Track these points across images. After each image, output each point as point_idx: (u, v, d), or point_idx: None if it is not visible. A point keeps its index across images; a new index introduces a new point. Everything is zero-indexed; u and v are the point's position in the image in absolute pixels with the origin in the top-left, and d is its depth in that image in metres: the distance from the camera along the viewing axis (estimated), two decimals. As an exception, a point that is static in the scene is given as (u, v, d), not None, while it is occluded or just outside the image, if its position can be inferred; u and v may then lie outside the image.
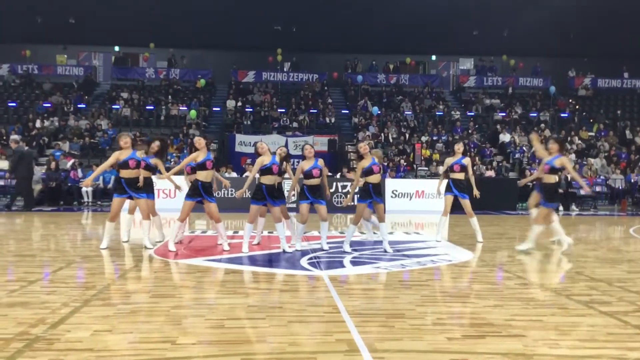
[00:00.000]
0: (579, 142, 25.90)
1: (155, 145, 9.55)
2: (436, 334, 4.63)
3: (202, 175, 8.72)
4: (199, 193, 8.74)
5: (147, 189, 9.21)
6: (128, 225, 10.02)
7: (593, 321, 5.08)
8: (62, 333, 4.46)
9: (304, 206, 9.02)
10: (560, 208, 19.70)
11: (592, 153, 24.87)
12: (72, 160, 19.34)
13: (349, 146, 24.81)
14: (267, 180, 8.67)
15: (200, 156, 8.69)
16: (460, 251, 9.34)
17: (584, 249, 10.29)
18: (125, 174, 8.84)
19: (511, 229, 13.55)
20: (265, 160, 8.67)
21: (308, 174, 8.97)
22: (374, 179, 8.84)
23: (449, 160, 10.43)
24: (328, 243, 9.37)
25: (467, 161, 10.32)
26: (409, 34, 29.50)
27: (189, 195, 8.82)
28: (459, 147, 10.44)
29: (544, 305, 5.66)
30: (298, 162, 9.67)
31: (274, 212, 8.81)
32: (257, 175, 8.80)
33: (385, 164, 22.20)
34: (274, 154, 8.91)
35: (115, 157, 8.84)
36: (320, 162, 9.10)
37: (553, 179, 9.17)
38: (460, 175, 10.25)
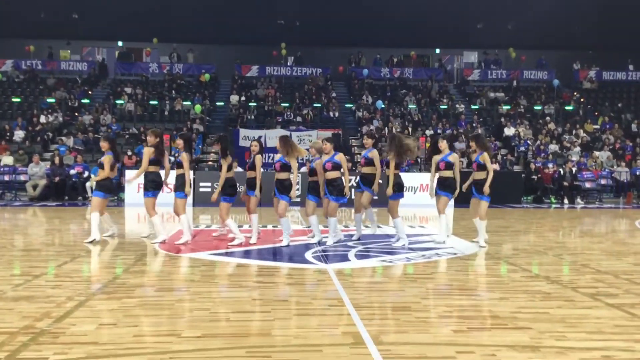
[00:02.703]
0: (584, 135, 25.78)
1: None
2: (442, 327, 4.61)
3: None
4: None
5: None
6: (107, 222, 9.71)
7: (600, 313, 5.06)
8: (67, 327, 4.46)
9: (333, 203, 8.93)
10: (565, 201, 19.65)
11: (597, 146, 24.77)
12: (77, 170, 18.95)
13: (352, 140, 24.76)
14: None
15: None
16: (465, 244, 9.31)
17: (590, 241, 10.25)
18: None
19: (516, 222, 13.51)
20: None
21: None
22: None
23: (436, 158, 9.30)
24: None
25: (453, 158, 9.15)
26: (413, 27, 29.32)
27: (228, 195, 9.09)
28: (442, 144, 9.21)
29: (550, 298, 5.64)
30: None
31: (279, 205, 8.79)
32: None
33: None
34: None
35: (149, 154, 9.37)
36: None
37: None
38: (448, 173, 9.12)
